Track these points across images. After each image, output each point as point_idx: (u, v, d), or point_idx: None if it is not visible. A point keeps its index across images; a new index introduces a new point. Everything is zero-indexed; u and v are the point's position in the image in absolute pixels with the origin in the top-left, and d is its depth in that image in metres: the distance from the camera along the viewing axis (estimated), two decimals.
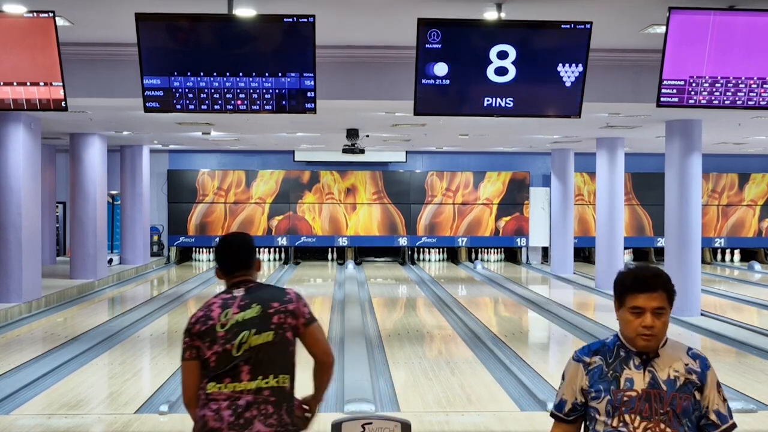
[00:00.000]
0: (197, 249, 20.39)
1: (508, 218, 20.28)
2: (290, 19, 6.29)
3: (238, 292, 3.09)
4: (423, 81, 6.57)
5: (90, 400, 6.78)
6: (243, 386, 2.93)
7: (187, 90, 6.54)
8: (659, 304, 2.54)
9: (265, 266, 19.56)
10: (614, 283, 2.63)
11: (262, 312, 3.02)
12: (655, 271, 2.58)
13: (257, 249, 3.34)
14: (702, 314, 11.41)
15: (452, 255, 20.70)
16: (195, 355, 3.00)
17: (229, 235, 3.31)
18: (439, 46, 6.45)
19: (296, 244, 20.07)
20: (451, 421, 6.00)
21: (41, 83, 6.64)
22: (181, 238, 19.96)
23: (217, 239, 3.30)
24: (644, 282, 2.54)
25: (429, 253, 20.64)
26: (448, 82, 6.58)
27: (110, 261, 16.94)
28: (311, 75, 6.51)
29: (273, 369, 2.97)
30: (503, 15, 6.59)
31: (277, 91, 6.55)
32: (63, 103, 6.71)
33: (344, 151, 13.61)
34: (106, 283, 15.07)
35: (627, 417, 2.50)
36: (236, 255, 3.19)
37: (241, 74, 6.51)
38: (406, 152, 19.77)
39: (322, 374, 3.18)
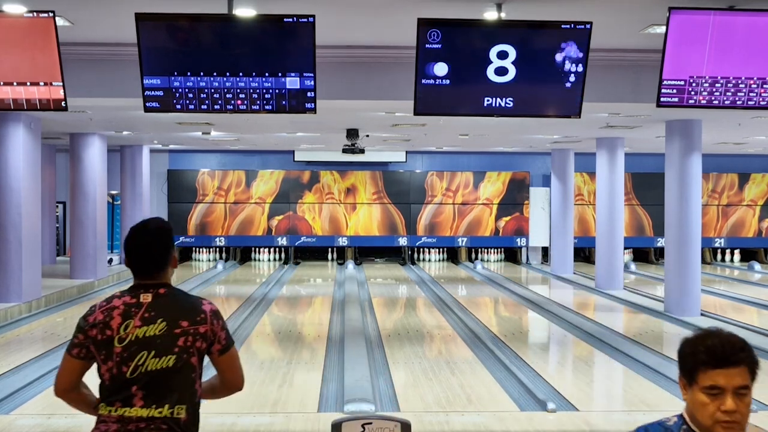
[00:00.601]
0: (197, 249, 20.39)
1: (508, 218, 20.28)
2: (290, 19, 6.29)
3: (146, 298, 2.70)
4: (423, 81, 6.56)
5: None
6: (134, 413, 2.64)
7: (187, 90, 6.54)
8: (742, 381, 2.03)
9: (265, 266, 19.57)
10: (680, 354, 2.12)
11: (167, 330, 2.66)
12: (736, 341, 2.07)
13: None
14: (702, 314, 11.41)
15: (452, 255, 20.69)
16: (84, 355, 2.72)
17: (143, 226, 2.83)
18: (439, 46, 6.45)
19: (296, 244, 20.07)
20: (451, 421, 5.99)
21: (41, 83, 6.64)
22: (181, 238, 19.95)
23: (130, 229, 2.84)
24: (724, 355, 2.03)
25: (429, 253, 20.64)
26: (448, 82, 6.58)
27: (110, 261, 16.94)
28: (311, 75, 6.51)
29: (169, 398, 2.65)
30: (503, 15, 6.59)
31: (277, 91, 6.55)
32: (63, 103, 6.71)
33: (344, 151, 13.62)
34: (106, 283, 15.06)
35: None
36: (148, 254, 2.77)
37: (241, 74, 6.51)
38: (406, 152, 19.76)
39: (221, 392, 2.85)
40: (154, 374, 2.65)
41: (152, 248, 2.78)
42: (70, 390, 2.79)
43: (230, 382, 2.83)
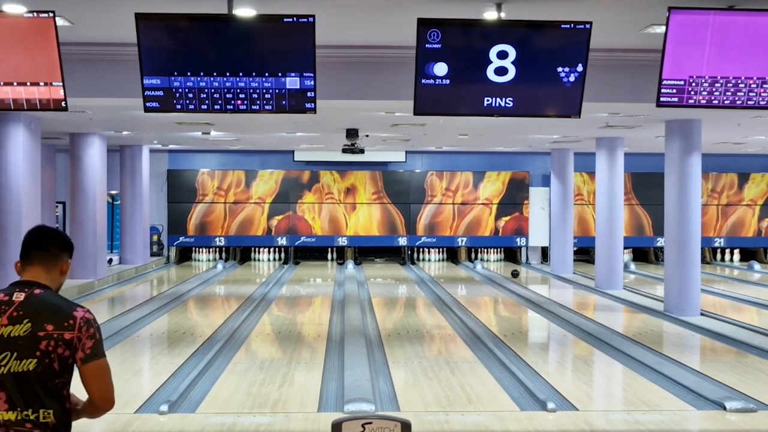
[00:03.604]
0: (197, 249, 20.40)
1: (507, 218, 20.29)
2: (290, 19, 6.29)
3: (18, 297, 2.69)
4: (423, 81, 6.57)
5: None
6: (1, 416, 2.63)
7: (187, 90, 6.55)
8: None
9: (265, 266, 19.57)
10: None
11: (31, 333, 2.64)
12: None
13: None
14: (702, 314, 11.42)
15: (452, 255, 20.70)
16: None
17: (46, 227, 2.93)
18: (439, 46, 6.45)
19: (296, 244, 20.07)
20: (451, 420, 6.00)
21: (41, 83, 6.64)
22: (180, 238, 19.97)
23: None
24: None
25: (429, 252, 20.65)
26: (447, 82, 6.58)
27: (110, 261, 16.94)
28: (311, 75, 6.52)
29: (32, 402, 2.64)
30: (503, 15, 6.60)
31: (277, 91, 6.55)
32: (63, 103, 6.71)
33: (344, 151, 13.62)
34: (106, 283, 15.07)
35: None
36: (36, 243, 2.82)
37: (241, 74, 6.51)
38: (406, 152, 19.78)
39: (90, 413, 2.80)
40: (17, 377, 2.63)
41: (48, 242, 2.83)
42: None
43: (94, 396, 2.74)
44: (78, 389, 2.77)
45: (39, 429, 2.65)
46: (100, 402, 2.75)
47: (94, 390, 2.73)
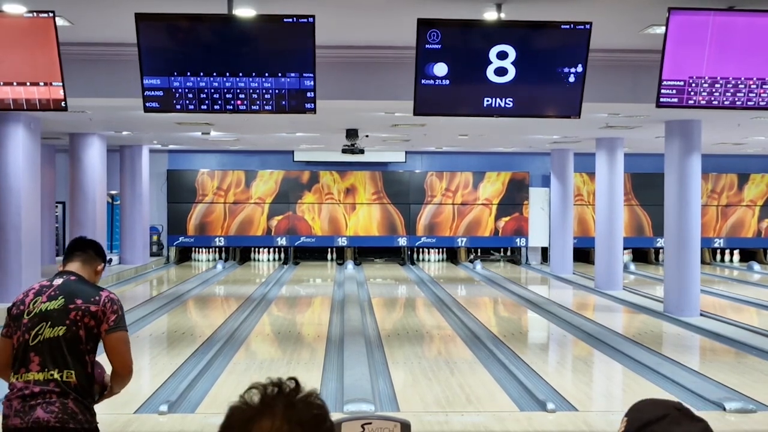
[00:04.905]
0: (197, 249, 20.39)
1: (507, 218, 20.28)
2: (290, 19, 6.29)
3: (57, 281, 3.23)
4: (423, 81, 6.56)
5: None
6: (32, 377, 3.07)
7: (186, 90, 6.54)
8: None
9: (265, 266, 19.56)
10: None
11: (64, 306, 3.14)
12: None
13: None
14: (701, 314, 11.41)
15: (452, 255, 20.69)
16: (10, 333, 3.19)
17: (85, 237, 3.52)
18: (439, 46, 6.45)
19: (296, 244, 20.07)
20: (450, 421, 6.00)
21: (41, 83, 6.63)
22: (180, 238, 19.96)
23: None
24: None
25: (428, 253, 20.64)
26: (447, 82, 6.58)
27: (110, 261, 16.89)
28: (311, 75, 6.51)
29: (59, 363, 3.07)
30: (503, 15, 6.59)
31: (276, 91, 6.54)
32: (63, 103, 6.70)
33: (344, 151, 13.61)
34: (106, 283, 15.06)
35: None
36: (78, 245, 3.38)
37: (240, 74, 6.51)
38: (406, 152, 19.77)
39: (115, 383, 3.30)
40: (48, 342, 3.10)
41: (87, 246, 3.40)
42: (5, 367, 3.20)
43: (116, 364, 3.23)
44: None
45: (60, 387, 3.05)
46: (121, 369, 3.23)
47: (115, 357, 3.19)
